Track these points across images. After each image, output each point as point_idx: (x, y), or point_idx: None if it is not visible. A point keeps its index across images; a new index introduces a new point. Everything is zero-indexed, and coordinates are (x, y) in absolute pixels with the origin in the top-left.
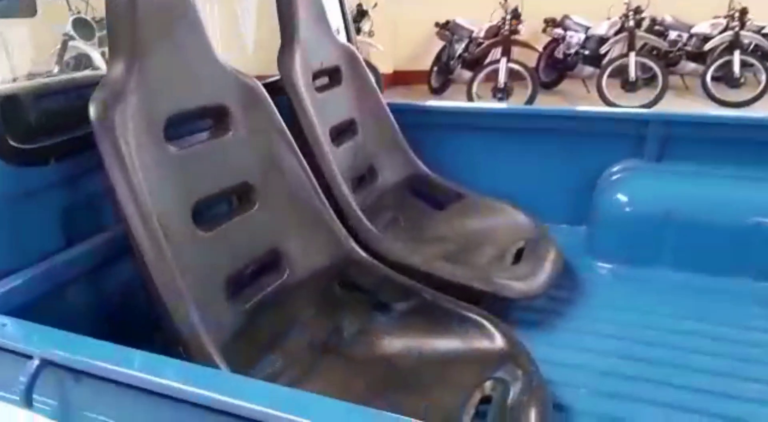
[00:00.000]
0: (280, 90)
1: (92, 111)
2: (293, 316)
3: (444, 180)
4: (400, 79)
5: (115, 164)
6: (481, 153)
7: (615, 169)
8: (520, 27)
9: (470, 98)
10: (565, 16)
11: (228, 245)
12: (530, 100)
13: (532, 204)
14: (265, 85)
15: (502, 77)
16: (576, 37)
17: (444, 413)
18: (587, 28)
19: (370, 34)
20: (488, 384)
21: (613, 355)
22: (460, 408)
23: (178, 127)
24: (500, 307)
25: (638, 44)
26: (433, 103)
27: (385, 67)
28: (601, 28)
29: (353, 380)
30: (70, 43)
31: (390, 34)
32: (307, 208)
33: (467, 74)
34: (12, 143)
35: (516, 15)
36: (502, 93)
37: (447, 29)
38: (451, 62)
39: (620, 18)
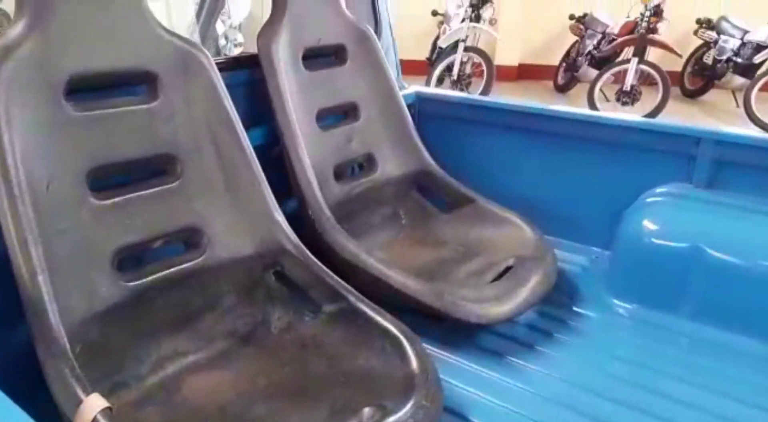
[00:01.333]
0: None
1: None
2: (211, 300)
3: (455, 181)
4: (527, 72)
5: None
6: (503, 154)
7: (654, 191)
8: (660, 25)
9: (591, 100)
10: (722, 18)
11: (128, 216)
12: (658, 109)
13: (552, 219)
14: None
15: (629, 79)
16: (731, 43)
17: None
18: (745, 33)
19: (491, 22)
20: (366, 410)
21: (561, 407)
22: None
23: (93, 90)
24: (468, 328)
25: None
26: (458, 94)
27: (510, 59)
28: (759, 34)
29: (261, 375)
30: None
31: (518, 25)
32: (240, 188)
33: (593, 73)
34: None
35: (657, 12)
36: (628, 97)
37: (582, 23)
38: (579, 58)
39: None
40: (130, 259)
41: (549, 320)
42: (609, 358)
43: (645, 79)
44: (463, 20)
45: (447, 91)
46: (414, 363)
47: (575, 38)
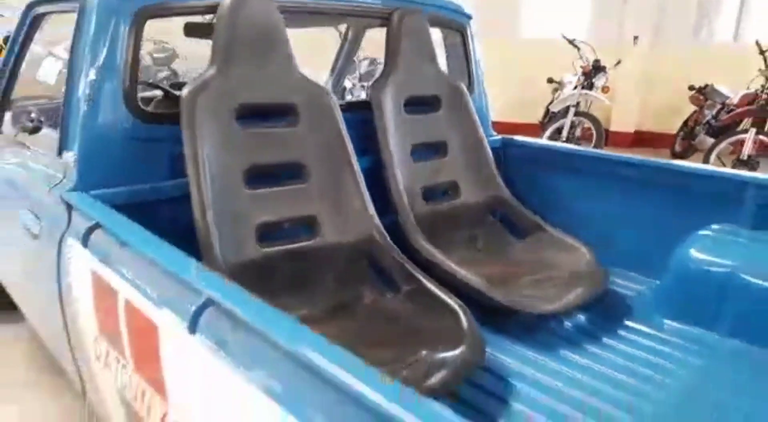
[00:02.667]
0: None
1: (183, 94)
2: (320, 274)
3: (529, 211)
4: (643, 139)
5: (187, 131)
6: (572, 192)
7: (705, 229)
8: None
9: None
10: None
11: (268, 203)
12: None
13: (611, 249)
14: None
15: (747, 148)
16: None
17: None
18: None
19: (604, 90)
20: (424, 352)
21: (588, 393)
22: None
23: (255, 115)
24: (524, 321)
25: None
26: (537, 140)
27: (625, 126)
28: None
29: (353, 331)
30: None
31: (634, 93)
32: (347, 194)
33: (710, 141)
34: (144, 109)
35: None
36: (745, 165)
37: (702, 93)
38: (697, 127)
39: None
40: (267, 233)
41: (598, 327)
42: (647, 363)
43: (763, 149)
44: (575, 87)
45: (528, 138)
46: (465, 327)
47: (693, 108)
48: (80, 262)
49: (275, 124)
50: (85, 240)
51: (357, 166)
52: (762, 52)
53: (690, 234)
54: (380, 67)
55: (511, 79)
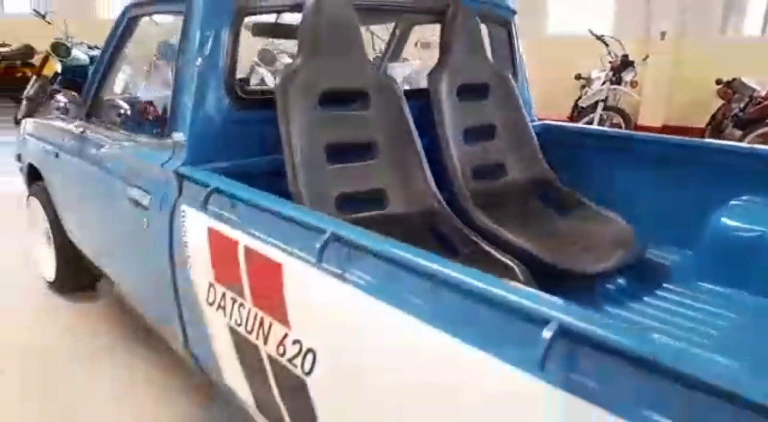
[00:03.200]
0: None
1: (277, 81)
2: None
3: (570, 189)
4: (671, 133)
5: (281, 115)
6: (610, 170)
7: (734, 201)
8: None
9: None
10: None
11: (346, 176)
12: None
13: (649, 223)
14: None
15: None
16: None
17: None
18: None
19: (632, 84)
20: None
21: None
22: None
23: (335, 100)
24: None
25: None
26: (575, 124)
27: (653, 120)
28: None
29: None
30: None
31: (663, 88)
32: (411, 169)
33: (737, 133)
34: (242, 96)
35: None
36: None
37: (730, 87)
38: (725, 121)
39: None
40: (344, 203)
41: (640, 289)
42: (687, 317)
43: None
44: (604, 83)
45: (567, 123)
46: (522, 281)
47: (721, 102)
48: (196, 223)
49: (350, 107)
50: (204, 204)
51: (420, 146)
52: None
53: (721, 206)
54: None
55: (537, 76)
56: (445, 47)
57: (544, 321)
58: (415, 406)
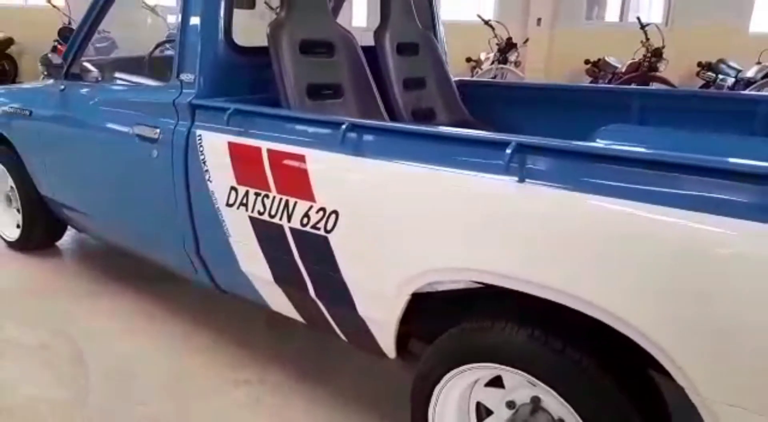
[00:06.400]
0: None
1: (268, 32)
2: None
3: (480, 126)
4: None
5: (274, 57)
6: (512, 113)
7: (605, 128)
8: (659, 65)
9: None
10: (720, 60)
11: (321, 109)
12: None
13: None
14: None
15: None
16: (728, 81)
17: None
18: (738, 72)
19: (516, 63)
20: None
21: None
22: None
23: (310, 48)
24: None
25: None
26: (482, 79)
27: None
28: (750, 72)
29: None
30: None
31: (541, 67)
32: (371, 108)
33: None
34: (237, 44)
35: (657, 53)
36: None
37: (596, 66)
38: None
39: None
40: None
41: None
42: None
43: None
44: (492, 62)
45: (475, 79)
46: None
47: (590, 79)
48: (215, 142)
49: (322, 54)
50: (226, 123)
51: (375, 89)
52: (642, 27)
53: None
54: None
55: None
56: (384, 12)
57: (505, 144)
58: (410, 237)
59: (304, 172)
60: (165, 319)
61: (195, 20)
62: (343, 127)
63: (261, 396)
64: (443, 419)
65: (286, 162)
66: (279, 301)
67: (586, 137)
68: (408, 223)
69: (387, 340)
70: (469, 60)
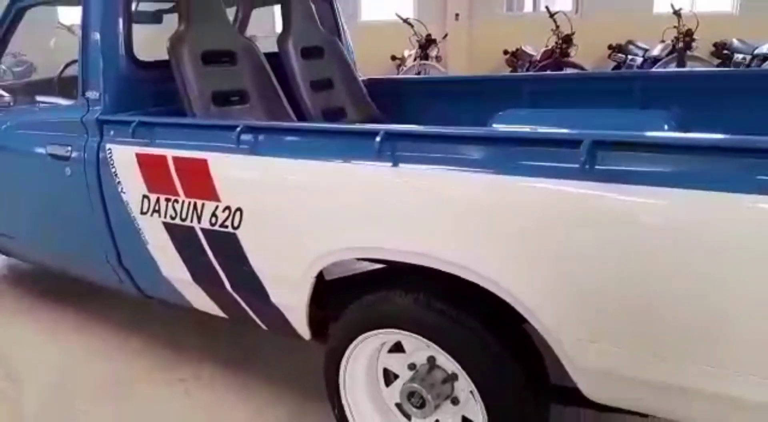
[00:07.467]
0: None
1: (168, 46)
2: None
3: (388, 119)
4: None
5: (175, 70)
6: (421, 106)
7: (501, 113)
8: (570, 50)
9: None
10: (629, 42)
11: (227, 117)
12: None
13: None
14: None
15: None
16: (637, 61)
17: None
18: (645, 51)
19: (437, 58)
20: None
21: None
22: None
23: (212, 58)
24: None
25: (689, 64)
26: (385, 76)
27: None
28: (655, 50)
29: None
30: None
31: (462, 60)
32: (278, 111)
33: None
34: (139, 59)
35: (567, 40)
36: None
37: (514, 56)
38: None
39: (672, 41)
40: None
41: None
42: None
43: None
44: (415, 59)
45: (383, 76)
46: None
47: (509, 68)
48: (123, 154)
49: (225, 63)
50: (132, 136)
51: (281, 92)
52: (551, 15)
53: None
54: None
55: (358, 61)
56: (286, 20)
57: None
58: (306, 225)
59: (208, 175)
60: (95, 330)
61: (95, 38)
62: (238, 129)
63: (197, 391)
64: (354, 388)
65: (190, 167)
66: (201, 300)
67: (485, 122)
68: (302, 212)
69: (300, 323)
70: (394, 58)
